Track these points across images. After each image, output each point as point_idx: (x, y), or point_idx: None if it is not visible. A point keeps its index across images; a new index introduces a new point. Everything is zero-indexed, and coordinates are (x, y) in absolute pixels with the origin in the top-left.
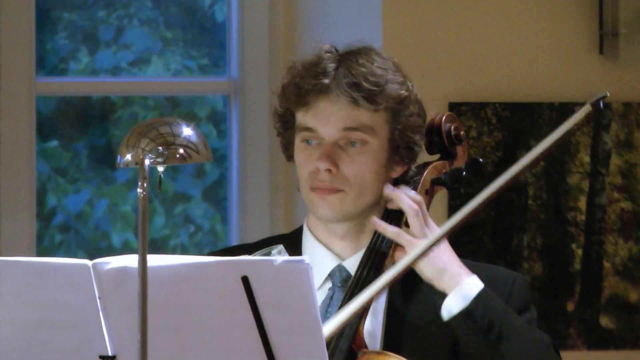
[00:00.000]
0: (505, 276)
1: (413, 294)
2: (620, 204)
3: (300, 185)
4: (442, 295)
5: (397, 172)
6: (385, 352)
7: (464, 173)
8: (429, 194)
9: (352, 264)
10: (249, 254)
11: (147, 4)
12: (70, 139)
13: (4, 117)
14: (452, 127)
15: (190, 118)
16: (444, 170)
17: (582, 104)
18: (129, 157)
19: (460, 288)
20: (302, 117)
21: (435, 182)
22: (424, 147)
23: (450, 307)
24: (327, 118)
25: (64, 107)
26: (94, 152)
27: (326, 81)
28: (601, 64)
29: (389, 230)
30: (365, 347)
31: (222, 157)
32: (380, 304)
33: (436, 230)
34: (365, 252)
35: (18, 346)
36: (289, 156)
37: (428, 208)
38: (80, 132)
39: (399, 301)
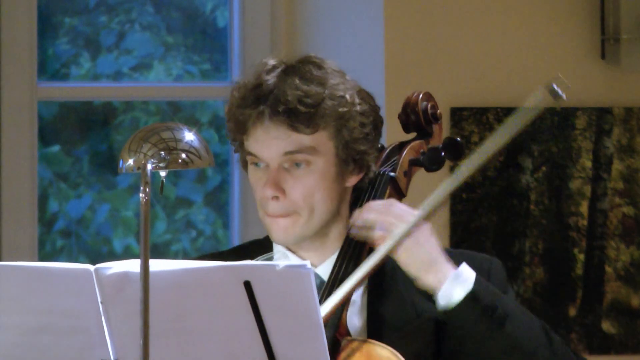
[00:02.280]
0: (481, 260)
1: (392, 293)
2: (622, 209)
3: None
4: (422, 295)
5: (352, 181)
6: (369, 339)
7: (442, 153)
8: (407, 175)
9: (324, 270)
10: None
11: (149, 9)
12: (72, 144)
13: (6, 122)
14: (429, 106)
15: (192, 123)
16: (421, 150)
17: (583, 109)
18: (131, 162)
19: (453, 277)
20: (246, 143)
21: (414, 163)
22: (397, 128)
23: (451, 295)
24: (267, 144)
25: (66, 112)
26: (96, 157)
27: (260, 108)
28: (603, 69)
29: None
30: (349, 335)
31: (223, 163)
32: (360, 302)
33: (414, 213)
34: (338, 257)
35: (19, 352)
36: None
37: (407, 188)
38: (82, 137)
39: (378, 301)
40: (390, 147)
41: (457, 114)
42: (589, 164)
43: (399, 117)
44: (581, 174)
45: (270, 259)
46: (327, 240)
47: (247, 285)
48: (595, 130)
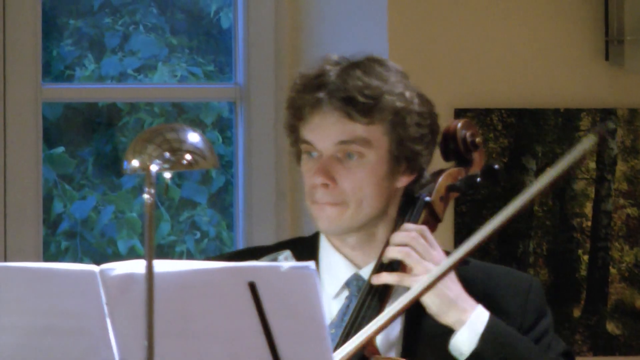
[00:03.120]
0: (519, 281)
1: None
2: (626, 210)
3: (305, 196)
4: None
5: (403, 182)
6: (398, 359)
7: (479, 179)
8: (443, 200)
9: (368, 272)
10: (264, 255)
11: (153, 11)
12: (76, 145)
13: (10, 124)
14: (468, 134)
15: (196, 124)
16: (459, 177)
17: (587, 110)
18: (135, 163)
19: (467, 326)
20: (302, 131)
21: (451, 189)
22: (436, 156)
23: (460, 348)
24: (322, 132)
25: (70, 113)
26: (100, 159)
27: (320, 95)
28: (607, 71)
29: (391, 279)
30: (378, 353)
31: (228, 164)
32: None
33: (439, 263)
34: (378, 261)
35: (24, 353)
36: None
37: (443, 213)
38: (86, 138)
39: (416, 310)
40: (430, 174)
41: (461, 115)
42: (593, 165)
43: (439, 145)
44: (585, 175)
45: (275, 259)
46: (373, 241)
47: (252, 286)
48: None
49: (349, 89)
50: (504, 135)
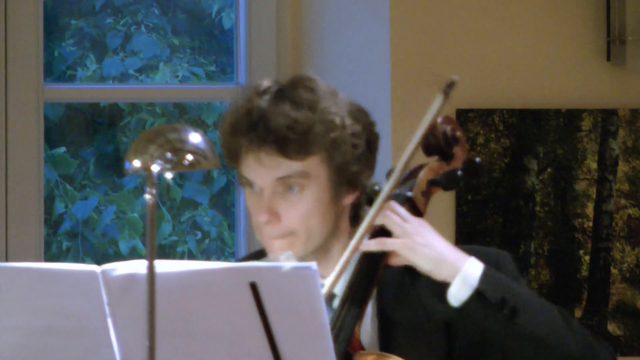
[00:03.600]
0: (487, 255)
1: (401, 298)
2: (627, 211)
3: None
4: (432, 297)
5: (348, 199)
6: (382, 353)
7: (460, 173)
8: (425, 195)
9: (329, 283)
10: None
11: (155, 11)
12: (78, 145)
13: (12, 124)
14: (449, 129)
15: (198, 125)
16: (440, 171)
17: (589, 111)
18: (137, 163)
19: (462, 273)
20: (240, 167)
21: (432, 183)
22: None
23: (458, 295)
24: (259, 171)
25: (72, 113)
26: (102, 159)
27: (252, 136)
28: (608, 71)
29: (371, 244)
30: (362, 348)
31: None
32: (369, 311)
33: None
34: (353, 276)
35: (25, 353)
36: None
37: (425, 209)
38: (88, 138)
39: (389, 306)
40: (410, 169)
41: (463, 115)
42: (594, 165)
43: (421, 141)
44: (587, 176)
45: (277, 260)
46: (329, 255)
47: (253, 286)
48: (600, 132)
49: (279, 129)
50: (505, 136)
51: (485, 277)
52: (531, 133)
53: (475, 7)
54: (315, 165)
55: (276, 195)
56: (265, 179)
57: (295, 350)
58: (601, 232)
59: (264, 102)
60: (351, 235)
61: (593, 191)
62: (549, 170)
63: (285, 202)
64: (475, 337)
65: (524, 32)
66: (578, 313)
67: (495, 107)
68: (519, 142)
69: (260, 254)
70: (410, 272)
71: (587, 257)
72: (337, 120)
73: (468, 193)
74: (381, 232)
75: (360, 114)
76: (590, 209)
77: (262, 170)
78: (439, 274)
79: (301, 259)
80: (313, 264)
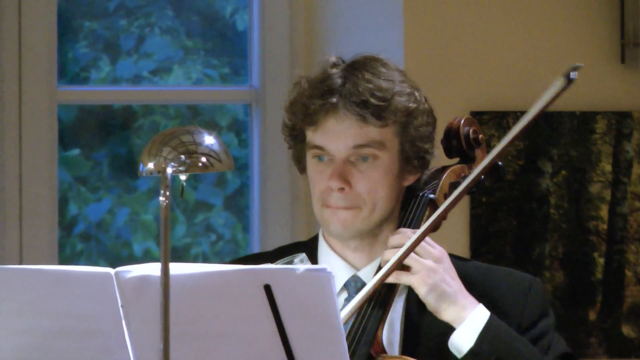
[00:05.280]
0: (520, 283)
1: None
2: None
3: (313, 200)
4: None
5: (409, 180)
6: (403, 357)
7: (482, 177)
8: (447, 198)
9: (367, 274)
10: (268, 261)
11: (168, 13)
12: (92, 147)
13: (26, 126)
14: (471, 131)
15: (212, 127)
16: (462, 174)
17: (603, 113)
18: (150, 165)
19: (466, 323)
20: (312, 135)
21: (454, 186)
22: (439, 152)
23: (458, 345)
24: (336, 136)
25: (85, 115)
26: (115, 161)
27: (333, 100)
28: (622, 73)
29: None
30: (384, 352)
31: (243, 166)
32: (397, 312)
33: (439, 260)
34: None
35: (39, 356)
36: (301, 168)
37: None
38: (102, 140)
39: (415, 309)
40: (432, 170)
41: (477, 117)
42: (608, 168)
43: (441, 142)
44: (601, 178)
45: (290, 262)
46: (375, 243)
47: (267, 288)
48: (614, 134)
49: (361, 92)
50: (519, 138)
51: (484, 334)
52: (545, 135)
53: (489, 9)
54: (390, 136)
55: (348, 164)
56: (341, 146)
57: (309, 352)
58: (615, 234)
59: (340, 70)
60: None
61: (607, 193)
62: (563, 172)
63: (357, 171)
64: None
65: (539, 35)
66: (592, 316)
67: (509, 109)
68: (533, 145)
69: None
70: None
71: (601, 260)
72: (416, 94)
73: (482, 195)
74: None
75: (425, 97)
76: (604, 212)
77: (340, 136)
78: (444, 316)
79: (358, 233)
80: (327, 267)
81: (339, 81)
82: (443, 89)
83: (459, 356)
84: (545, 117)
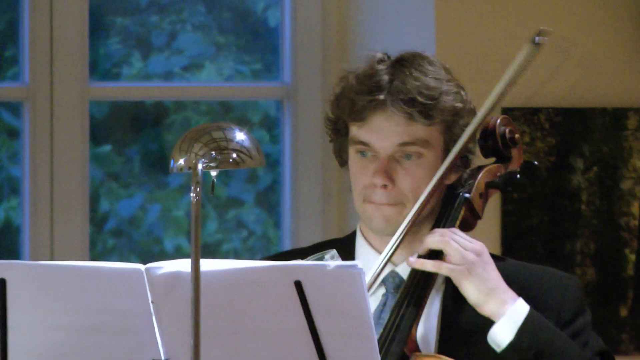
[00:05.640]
0: (558, 280)
1: (465, 302)
2: None
3: (354, 195)
4: None
5: (451, 179)
6: (438, 355)
7: (518, 176)
8: (483, 197)
9: (405, 269)
10: (303, 258)
11: (200, 9)
12: (123, 143)
13: (58, 122)
14: (507, 130)
15: (243, 123)
16: (498, 174)
17: (634, 110)
18: (182, 161)
19: (506, 317)
20: (357, 131)
21: (490, 185)
22: (478, 151)
23: (497, 339)
24: (382, 133)
25: (117, 111)
26: (147, 157)
27: (381, 97)
28: None
29: (428, 265)
30: (418, 350)
31: (274, 162)
32: (434, 309)
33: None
34: (411, 277)
35: (71, 351)
36: (342, 162)
37: (482, 210)
38: (133, 136)
39: (452, 306)
40: (468, 170)
41: (509, 113)
42: None
43: (477, 141)
44: (632, 174)
45: (321, 259)
46: (414, 240)
47: (298, 285)
48: None
49: (410, 90)
50: (551, 135)
51: (524, 328)
52: (577, 132)
53: (520, 6)
54: (436, 135)
55: (392, 161)
56: (387, 143)
57: (339, 348)
58: None
59: (387, 67)
60: (438, 222)
61: (639, 190)
62: (594, 168)
63: (401, 168)
64: None
65: (570, 31)
66: (624, 312)
67: (540, 105)
68: (565, 141)
69: (290, 255)
70: None
71: (632, 256)
72: (462, 93)
73: (514, 192)
74: (436, 253)
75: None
76: (635, 208)
77: (387, 133)
78: (484, 309)
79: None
80: (359, 263)
81: (386, 78)
82: (474, 84)
83: (498, 350)
84: (577, 113)
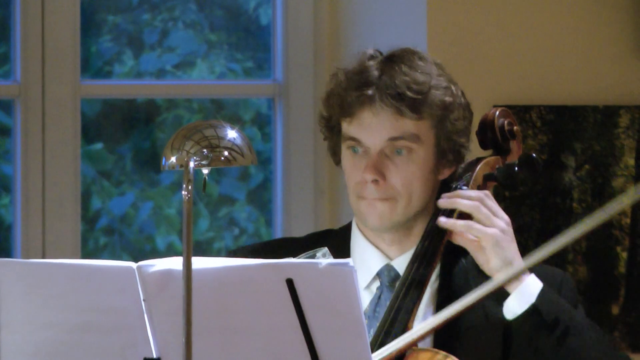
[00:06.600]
0: (552, 274)
1: (462, 296)
2: None
3: (348, 192)
4: (493, 300)
5: (444, 174)
6: (434, 349)
7: (517, 168)
8: (481, 189)
9: (400, 264)
10: (298, 247)
11: (192, 7)
12: (115, 141)
13: (49, 120)
14: (506, 122)
15: (235, 121)
16: (497, 166)
17: (626, 107)
18: (173, 159)
19: (522, 288)
20: (347, 127)
21: (488, 178)
22: (473, 145)
23: (514, 307)
24: (371, 129)
25: (109, 109)
26: (139, 155)
27: (369, 92)
28: None
29: (459, 224)
30: (415, 344)
31: (266, 160)
32: (430, 303)
33: (508, 222)
34: (415, 253)
35: (63, 349)
36: (337, 160)
37: None
38: (125, 134)
39: (449, 301)
40: (466, 163)
41: None
42: (632, 162)
43: (476, 134)
44: (624, 172)
45: (313, 257)
46: (410, 235)
47: (290, 283)
48: (638, 129)
49: (398, 85)
50: (542, 132)
51: (543, 295)
52: (568, 129)
53: (512, 4)
54: (426, 130)
55: (383, 157)
56: (377, 139)
57: (331, 346)
58: (639, 228)
59: (376, 63)
60: (435, 216)
61: (630, 187)
62: (586, 166)
63: (391, 164)
64: (525, 353)
65: (562, 29)
66: (615, 310)
67: (532, 103)
68: (556, 139)
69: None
70: (474, 270)
71: (624, 254)
72: (453, 88)
73: (505, 189)
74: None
75: (463, 92)
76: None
77: (375, 128)
78: (500, 276)
79: (395, 225)
80: (349, 261)
81: (375, 73)
82: (465, 82)
83: (512, 316)
84: (569, 111)
